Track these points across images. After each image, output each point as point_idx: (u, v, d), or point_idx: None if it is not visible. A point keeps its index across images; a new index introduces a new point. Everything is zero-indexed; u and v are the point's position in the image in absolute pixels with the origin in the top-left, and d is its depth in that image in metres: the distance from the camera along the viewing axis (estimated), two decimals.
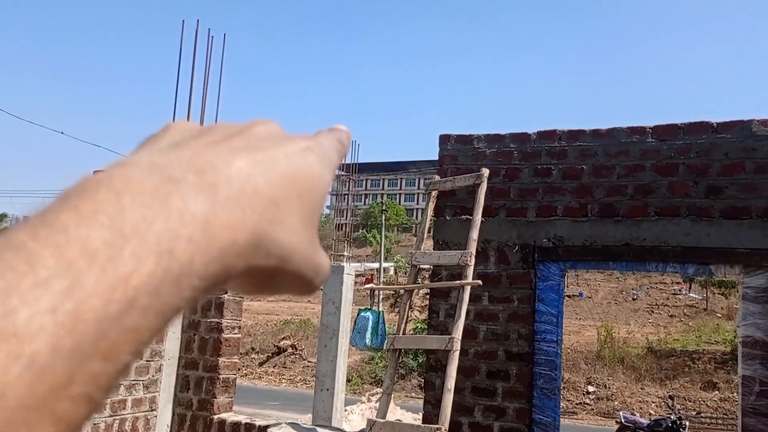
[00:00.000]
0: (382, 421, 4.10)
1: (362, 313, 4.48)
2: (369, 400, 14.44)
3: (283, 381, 25.31)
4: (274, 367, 26.80)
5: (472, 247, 4.10)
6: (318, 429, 4.59)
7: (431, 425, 3.85)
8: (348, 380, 22.11)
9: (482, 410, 4.17)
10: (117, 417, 4.85)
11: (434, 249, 4.51)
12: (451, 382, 3.84)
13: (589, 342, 24.48)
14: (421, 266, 4.64)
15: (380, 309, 5.22)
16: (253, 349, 28.25)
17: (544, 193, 4.25)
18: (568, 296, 34.73)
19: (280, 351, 27.39)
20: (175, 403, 5.29)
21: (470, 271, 4.07)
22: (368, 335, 4.38)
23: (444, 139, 4.65)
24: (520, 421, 4.05)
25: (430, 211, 4.59)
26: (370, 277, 36.87)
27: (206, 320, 5.29)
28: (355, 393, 20.58)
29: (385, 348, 4.43)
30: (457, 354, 3.92)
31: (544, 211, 4.23)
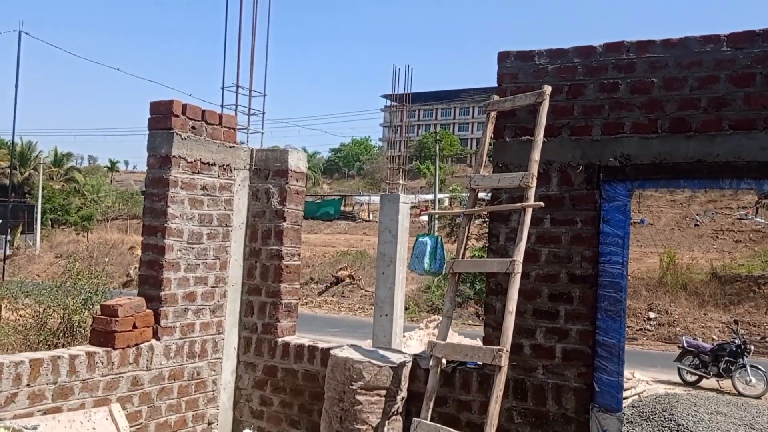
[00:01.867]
0: (443, 342, 4.12)
1: (420, 238, 4.46)
2: (426, 327, 14.67)
3: (342, 309, 25.96)
4: (333, 296, 27.48)
5: (534, 169, 3.97)
6: (379, 350, 4.67)
7: (493, 347, 3.85)
8: (406, 308, 22.50)
9: (544, 332, 4.14)
10: (187, 339, 5.03)
11: (494, 172, 4.41)
12: (512, 305, 3.81)
13: (651, 269, 24.10)
14: (480, 191, 4.55)
15: (441, 236, 5.19)
16: (312, 279, 28.95)
17: (611, 109, 4.06)
18: (631, 223, 34.00)
19: (338, 281, 27.98)
20: (241, 327, 5.45)
21: (531, 193, 3.96)
22: (426, 260, 4.36)
23: (503, 57, 4.47)
24: (583, 343, 4.01)
25: (488, 133, 4.46)
26: (424, 207, 36.85)
27: (267, 248, 5.38)
28: (412, 320, 20.95)
29: (444, 272, 4.42)
30: (518, 277, 3.87)
31: (610, 128, 4.05)
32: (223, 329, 5.33)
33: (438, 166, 40.72)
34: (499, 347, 3.77)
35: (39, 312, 9.62)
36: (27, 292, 9.98)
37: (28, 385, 4.08)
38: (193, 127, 4.97)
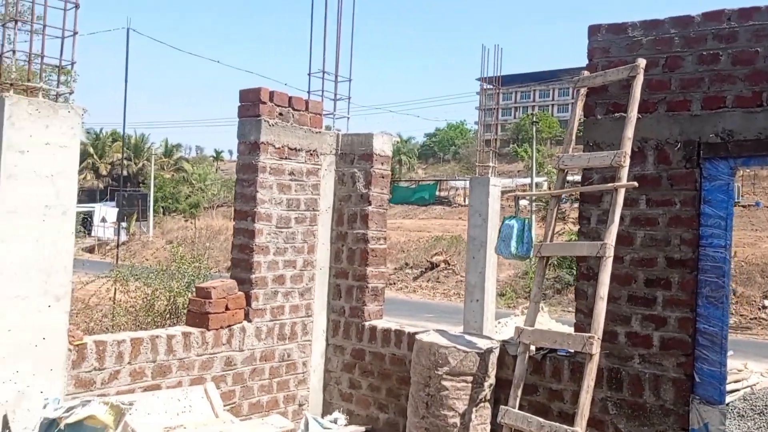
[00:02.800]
0: (530, 328, 4.00)
1: (507, 221, 4.32)
2: (523, 313, 14.36)
3: (437, 295, 25.93)
4: (427, 281, 27.49)
5: (627, 147, 3.75)
6: (465, 336, 4.59)
7: (584, 334, 3.69)
8: (501, 294, 22.15)
9: (640, 320, 3.92)
10: (277, 321, 5.15)
11: (584, 151, 4.21)
12: (603, 290, 3.63)
13: (766, 254, 22.52)
14: (570, 170, 4.36)
15: (529, 218, 5.01)
16: (407, 264, 29.07)
17: (711, 82, 3.76)
18: (743, 206, 31.94)
19: (433, 266, 27.95)
20: (329, 310, 5.52)
21: (624, 173, 3.75)
22: (513, 243, 4.23)
23: (593, 30, 4.24)
24: (682, 331, 3.77)
25: (578, 111, 4.26)
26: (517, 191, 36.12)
27: (353, 231, 5.41)
28: (509, 307, 20.62)
29: (531, 256, 4.27)
30: (610, 261, 3.68)
31: (711, 102, 3.76)
32: (311, 312, 5.42)
33: (535, 148, 39.73)
34: (590, 334, 3.61)
35: (147, 294, 10.17)
36: (137, 275, 10.60)
37: (129, 362, 4.30)
38: (280, 114, 5.05)
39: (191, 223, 45.87)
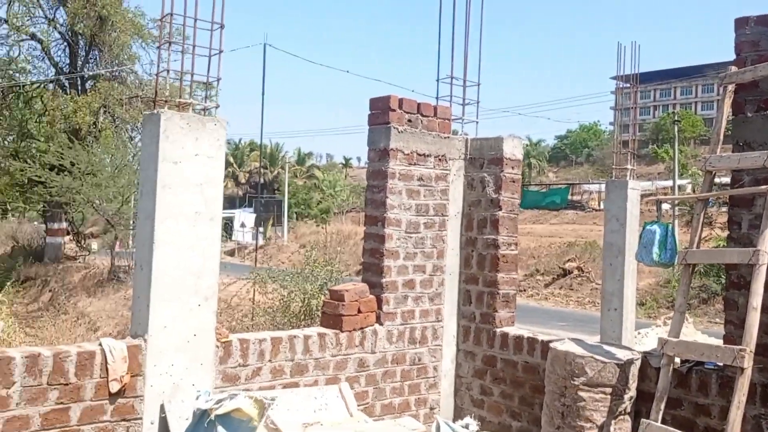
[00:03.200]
0: (675, 340, 3.78)
1: (648, 227, 4.11)
2: (665, 324, 13.57)
3: (570, 302, 25.09)
4: (560, 288, 26.67)
5: None
6: (603, 346, 4.42)
7: (734, 346, 3.44)
8: (641, 304, 20.99)
9: None
10: (407, 325, 5.22)
11: (733, 152, 3.93)
12: (757, 300, 3.37)
13: None
14: (718, 173, 4.08)
15: (673, 225, 4.75)
16: (537, 270, 28.37)
17: None
18: None
19: (565, 273, 27.08)
20: (459, 316, 5.52)
21: None
22: (655, 249, 4.01)
23: (741, 23, 3.95)
24: None
25: (726, 109, 3.99)
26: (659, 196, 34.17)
27: (482, 237, 5.37)
28: (649, 317, 19.55)
29: (675, 263, 4.04)
30: (764, 269, 3.41)
31: None
32: (441, 317, 5.44)
33: (677, 149, 37.46)
34: (741, 347, 3.36)
35: (284, 296, 10.67)
36: (274, 277, 11.15)
37: (270, 360, 4.53)
38: (409, 120, 5.12)
39: (322, 227, 47.49)
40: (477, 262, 5.41)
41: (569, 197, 45.94)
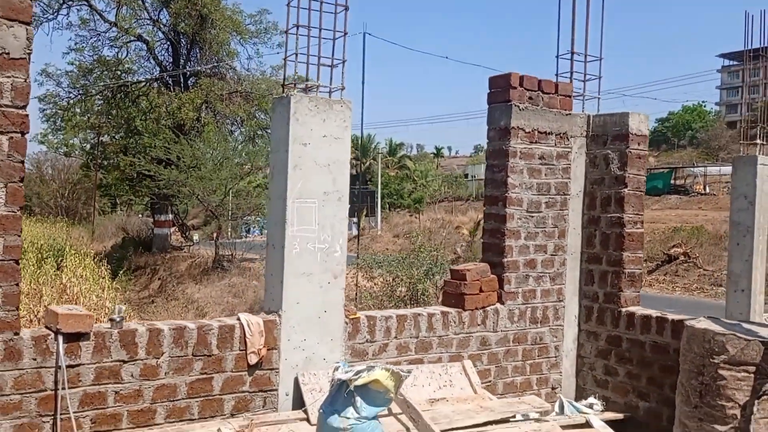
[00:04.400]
0: None
1: None
2: None
3: (677, 289, 24.03)
4: (665, 275, 25.58)
5: None
6: (742, 324, 4.22)
7: None
8: None
9: None
10: (528, 305, 5.18)
11: None
12: None
13: None
14: None
15: None
16: None
17: None
18: None
19: (670, 259, 25.93)
20: (581, 296, 5.41)
21: None
22: None
23: None
24: None
25: None
26: None
27: (606, 215, 5.24)
28: None
29: None
30: None
31: None
32: (563, 297, 5.35)
33: None
34: None
35: (389, 281, 10.80)
36: (379, 263, 11.31)
37: (395, 337, 4.61)
38: (530, 98, 5.05)
39: (415, 217, 47.62)
40: (600, 241, 5.28)
41: (672, 182, 43.93)
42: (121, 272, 24.15)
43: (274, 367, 4.16)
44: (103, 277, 15.55)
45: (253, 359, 4.07)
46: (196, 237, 34.41)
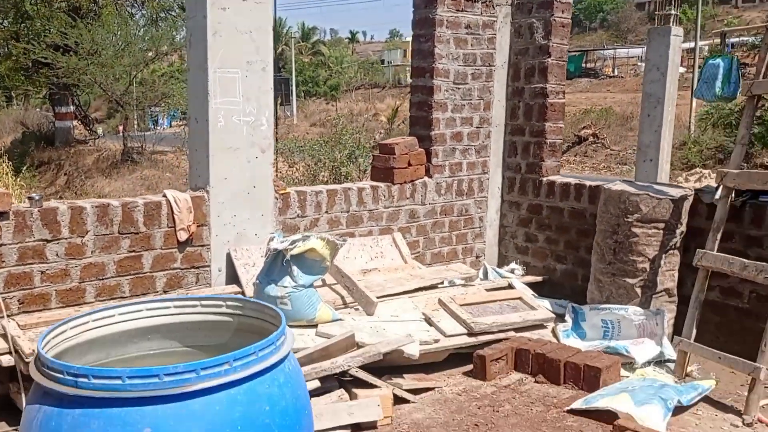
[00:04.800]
0: (735, 171, 3.82)
1: (710, 61, 4.03)
2: (687, 181, 13.67)
3: (586, 168, 25.16)
4: (575, 156, 26.63)
5: None
6: (654, 185, 4.47)
7: None
8: None
9: None
10: (455, 178, 5.28)
11: None
12: None
13: None
14: None
15: (737, 57, 4.56)
16: None
17: None
18: None
19: (580, 140, 26.93)
20: (504, 168, 5.56)
21: None
22: (718, 84, 3.96)
23: None
24: None
25: None
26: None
27: (530, 86, 5.30)
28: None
29: (739, 96, 4.00)
30: None
31: None
32: (488, 169, 5.48)
33: (699, 7, 35.97)
34: None
35: (311, 166, 10.73)
36: (301, 147, 11.17)
37: (326, 212, 4.64)
38: None
39: (332, 105, 46.94)
40: (524, 113, 5.37)
41: (583, 65, 44.82)
42: (24, 168, 22.89)
43: (204, 243, 4.12)
44: (6, 174, 14.70)
45: (182, 236, 4.01)
46: (100, 130, 32.77)
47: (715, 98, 4.05)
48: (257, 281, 3.75)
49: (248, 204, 4.24)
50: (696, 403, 3.59)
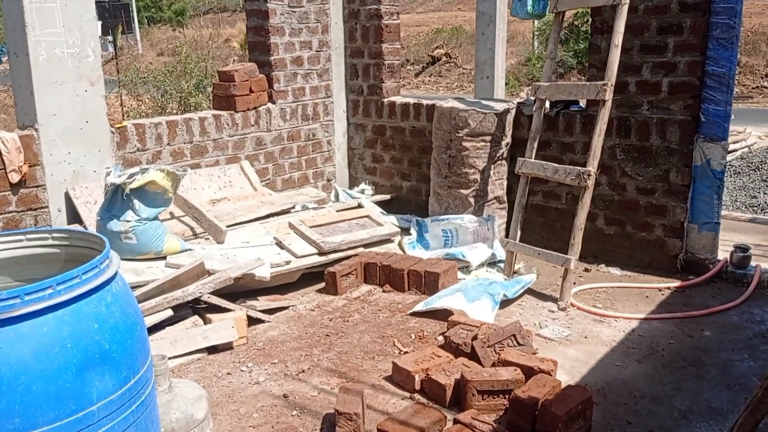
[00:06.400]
0: (546, 84, 4.20)
1: None
2: (528, 96, 14.51)
3: (440, 89, 25.89)
4: (430, 76, 27.26)
5: None
6: (482, 101, 4.81)
7: (598, 82, 3.89)
8: (505, 83, 21.89)
9: (650, 68, 4.10)
10: (299, 103, 5.36)
11: None
12: (618, 38, 3.77)
13: None
14: None
15: None
16: (408, 60, 28.60)
17: None
18: None
19: (434, 60, 27.53)
20: (347, 90, 5.70)
21: None
22: (530, 2, 4.28)
23: None
24: (691, 74, 3.97)
25: None
26: None
27: (365, 8, 5.41)
28: (512, 94, 20.69)
29: (548, 12, 4.34)
30: (625, 9, 3.78)
31: None
32: (331, 92, 5.60)
33: None
34: (603, 82, 3.81)
35: (157, 98, 10.31)
36: (144, 78, 10.65)
37: (168, 143, 4.58)
38: None
39: (179, 31, 44.37)
40: (362, 35, 5.49)
41: None
42: None
43: (39, 184, 3.98)
44: None
45: (14, 177, 3.85)
46: None
47: (527, 15, 4.38)
48: (98, 218, 3.71)
49: (82, 140, 4.11)
50: (521, 296, 4.02)
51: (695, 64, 3.94)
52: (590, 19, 4.37)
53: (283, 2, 5.03)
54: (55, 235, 1.92)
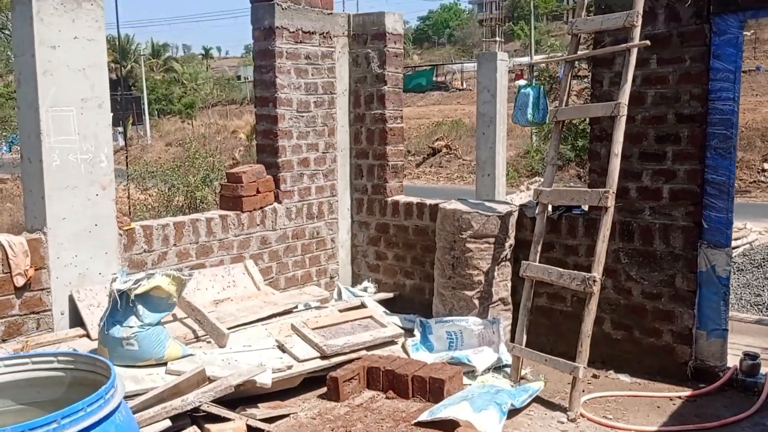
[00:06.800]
0: (548, 189, 4.27)
1: (522, 90, 4.49)
2: (527, 189, 14.71)
3: (441, 179, 26.31)
4: (430, 167, 27.77)
5: (639, 6, 3.86)
6: (485, 202, 4.88)
7: (599, 189, 3.95)
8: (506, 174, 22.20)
9: (650, 174, 4.18)
10: (305, 202, 5.44)
11: (595, 14, 4.30)
12: (617, 147, 3.86)
13: (766, 119, 22.59)
14: (583, 35, 4.47)
15: (544, 85, 5.14)
16: (409, 151, 29.20)
17: None
18: (744, 71, 31.49)
19: (434, 152, 28.11)
20: (352, 189, 5.80)
21: (637, 33, 3.88)
22: (529, 110, 4.41)
23: None
24: (691, 182, 4.04)
25: None
26: (520, 73, 35.55)
27: (370, 112, 5.58)
28: (512, 186, 20.98)
29: (547, 121, 4.47)
30: (623, 120, 3.89)
31: None
32: (336, 192, 5.69)
33: (533, 25, 38.81)
34: (605, 189, 3.88)
35: (164, 191, 10.46)
36: (153, 172, 10.84)
37: (174, 244, 4.62)
38: None
39: (188, 123, 45.60)
40: (366, 137, 5.64)
41: (434, 78, 46.77)
42: None
43: (44, 287, 3.98)
44: None
45: (20, 281, 3.85)
46: None
47: (528, 123, 4.51)
48: (101, 323, 3.68)
49: (90, 243, 4.14)
50: (528, 404, 3.93)
51: (694, 172, 4.02)
52: (589, 127, 4.50)
53: (291, 108, 5.20)
54: (61, 358, 1.90)
